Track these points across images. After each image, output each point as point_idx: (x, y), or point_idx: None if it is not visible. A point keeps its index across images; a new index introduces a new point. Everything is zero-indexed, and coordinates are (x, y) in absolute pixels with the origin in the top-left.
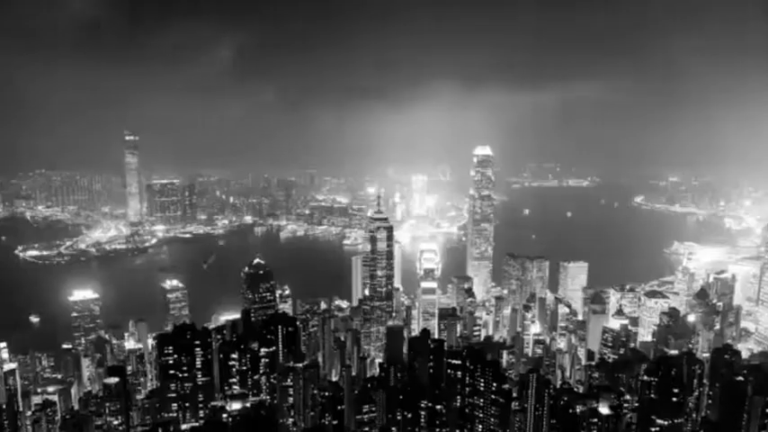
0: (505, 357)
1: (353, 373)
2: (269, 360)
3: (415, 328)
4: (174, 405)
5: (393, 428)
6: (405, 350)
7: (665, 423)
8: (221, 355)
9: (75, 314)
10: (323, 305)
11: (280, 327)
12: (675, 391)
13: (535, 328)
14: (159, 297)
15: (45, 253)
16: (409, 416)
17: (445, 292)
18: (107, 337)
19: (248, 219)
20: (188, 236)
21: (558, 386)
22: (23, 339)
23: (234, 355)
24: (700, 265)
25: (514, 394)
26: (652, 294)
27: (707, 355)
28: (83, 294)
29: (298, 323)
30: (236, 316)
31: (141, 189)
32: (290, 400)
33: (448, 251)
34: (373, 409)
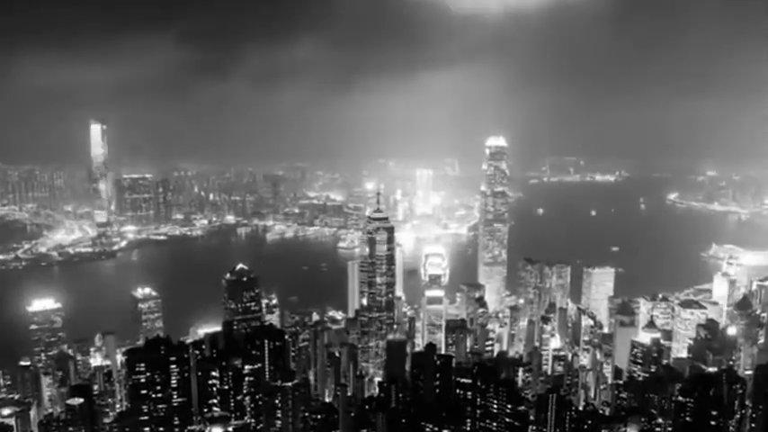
0: (521, 375)
1: (349, 393)
2: (254, 378)
3: (420, 343)
4: (147, 429)
5: None
6: (407, 367)
7: None
8: (200, 373)
9: (34, 327)
10: (315, 316)
11: (266, 341)
12: (714, 413)
13: (555, 343)
14: (130, 307)
15: (0, 257)
16: None
17: (453, 301)
18: (70, 352)
19: (230, 218)
20: (162, 238)
21: (581, 408)
22: None
23: (214, 373)
24: (741, 271)
25: (531, 417)
26: (687, 304)
27: (749, 372)
28: (43, 304)
29: (286, 337)
30: (217, 329)
31: (109, 185)
32: (278, 423)
33: (456, 255)
34: None
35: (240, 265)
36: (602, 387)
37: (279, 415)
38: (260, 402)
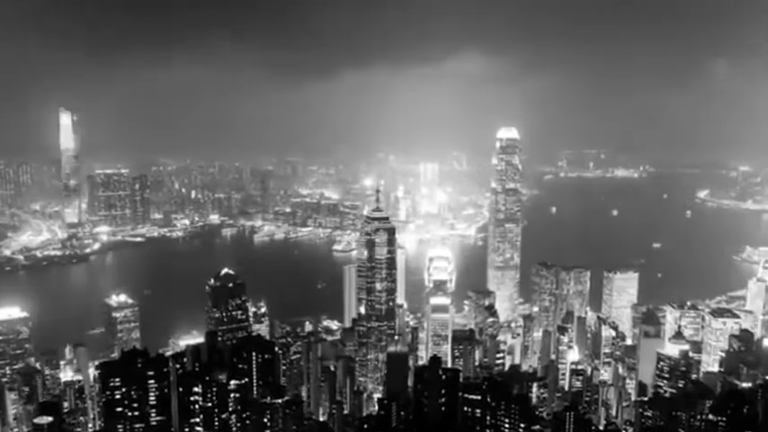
0: (535, 391)
1: (346, 411)
2: (240, 395)
3: (423, 356)
4: None
5: None
6: (410, 383)
7: None
8: (181, 389)
9: None
10: (308, 326)
11: (254, 353)
12: None
13: (573, 355)
14: (103, 316)
15: None
16: None
17: (460, 309)
18: (38, 366)
19: (214, 218)
20: (139, 239)
21: (601, 428)
22: None
23: (196, 389)
24: None
25: None
26: (719, 313)
27: None
28: (8, 313)
29: (276, 349)
30: (200, 340)
31: (81, 181)
32: None
33: (464, 259)
34: None
35: (225, 270)
36: (624, 404)
37: None
38: (247, 421)
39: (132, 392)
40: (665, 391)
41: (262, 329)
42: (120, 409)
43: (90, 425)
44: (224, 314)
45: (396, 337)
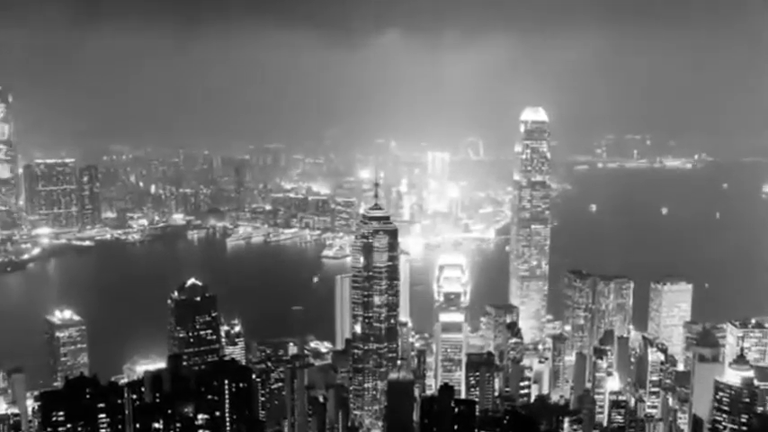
0: (567, 427)
1: None
2: (210, 430)
3: (432, 384)
4: None
5: None
6: (415, 417)
7: None
8: (138, 424)
9: None
10: (292, 349)
11: (226, 381)
12: None
13: (613, 384)
14: (44, 336)
15: None
16: None
17: (476, 328)
18: None
19: (179, 217)
20: (87, 243)
21: None
22: None
23: (157, 425)
24: None
25: None
26: None
27: None
28: None
29: (253, 376)
30: (161, 365)
31: (16, 173)
32: None
33: (481, 267)
34: None
35: (192, 281)
36: None
37: None
38: None
39: (79, 428)
40: (725, 427)
41: (236, 352)
42: None
43: None
44: (190, 334)
45: (398, 362)
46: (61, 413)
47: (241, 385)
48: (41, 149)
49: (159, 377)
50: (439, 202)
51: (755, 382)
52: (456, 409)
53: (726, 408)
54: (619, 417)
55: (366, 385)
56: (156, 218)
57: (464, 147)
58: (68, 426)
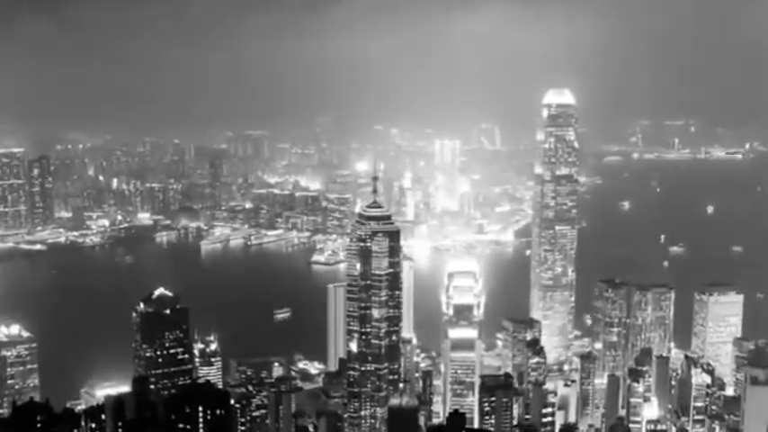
0: None
1: None
2: None
3: (440, 411)
4: None
5: None
6: None
7: None
8: None
9: None
10: (277, 370)
11: (200, 407)
12: None
13: (651, 411)
14: None
15: None
16: None
17: (492, 346)
18: None
19: (145, 217)
20: (38, 247)
21: None
22: None
23: None
24: None
25: None
26: None
27: None
28: None
29: (232, 401)
30: (125, 389)
31: None
32: None
33: (497, 274)
34: None
35: (160, 291)
36: None
37: None
38: None
39: None
40: None
41: (211, 374)
42: None
43: None
44: (158, 353)
45: (401, 385)
46: None
47: (218, 412)
48: None
49: (122, 403)
50: (448, 199)
51: None
52: None
53: None
54: None
55: (363, 412)
56: (119, 217)
57: (477, 134)
58: None
